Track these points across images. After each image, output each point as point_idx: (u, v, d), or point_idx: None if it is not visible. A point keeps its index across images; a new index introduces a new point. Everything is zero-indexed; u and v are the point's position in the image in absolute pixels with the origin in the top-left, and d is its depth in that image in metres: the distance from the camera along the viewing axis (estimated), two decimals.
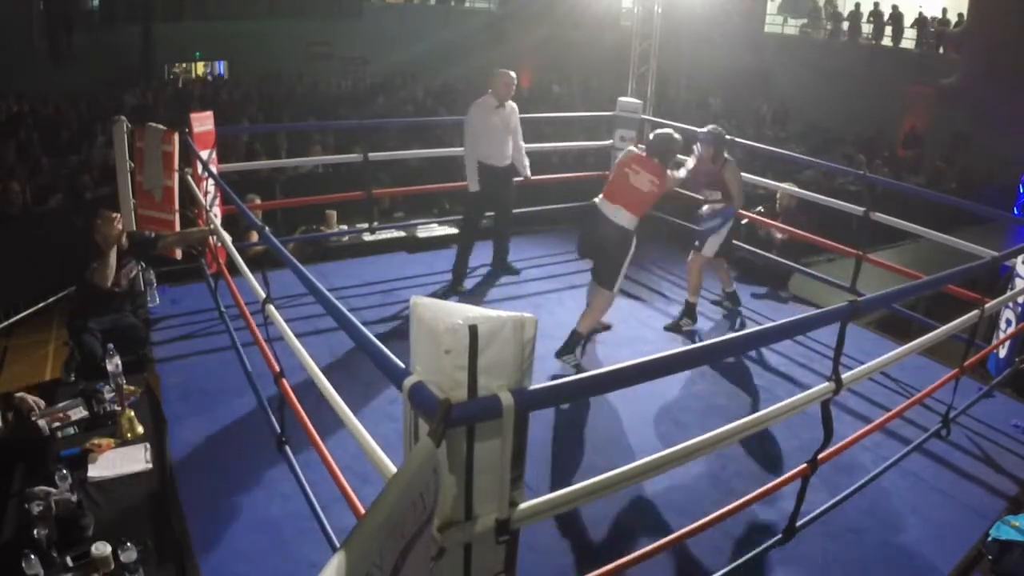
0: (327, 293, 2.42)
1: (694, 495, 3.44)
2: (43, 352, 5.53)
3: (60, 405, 3.41)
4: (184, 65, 15.79)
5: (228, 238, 4.14)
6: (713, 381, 4.42)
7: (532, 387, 1.72)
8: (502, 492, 1.74)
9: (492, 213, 5.71)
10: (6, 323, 5.90)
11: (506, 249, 5.91)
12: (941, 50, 15.02)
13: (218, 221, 4.86)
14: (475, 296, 5.48)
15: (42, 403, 3.38)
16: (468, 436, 1.66)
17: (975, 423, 4.18)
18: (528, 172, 5.68)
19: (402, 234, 6.87)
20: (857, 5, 16.44)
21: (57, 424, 3.28)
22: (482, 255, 5.78)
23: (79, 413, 3.35)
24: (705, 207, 5.09)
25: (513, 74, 5.23)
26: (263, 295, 3.31)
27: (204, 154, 5.07)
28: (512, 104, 5.36)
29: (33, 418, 3.21)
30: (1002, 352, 4.81)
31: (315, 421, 3.00)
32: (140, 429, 3.26)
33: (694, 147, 5.08)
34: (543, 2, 17.42)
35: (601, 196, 4.46)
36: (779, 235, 6.05)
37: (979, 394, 4.28)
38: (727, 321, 5.39)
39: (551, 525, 3.13)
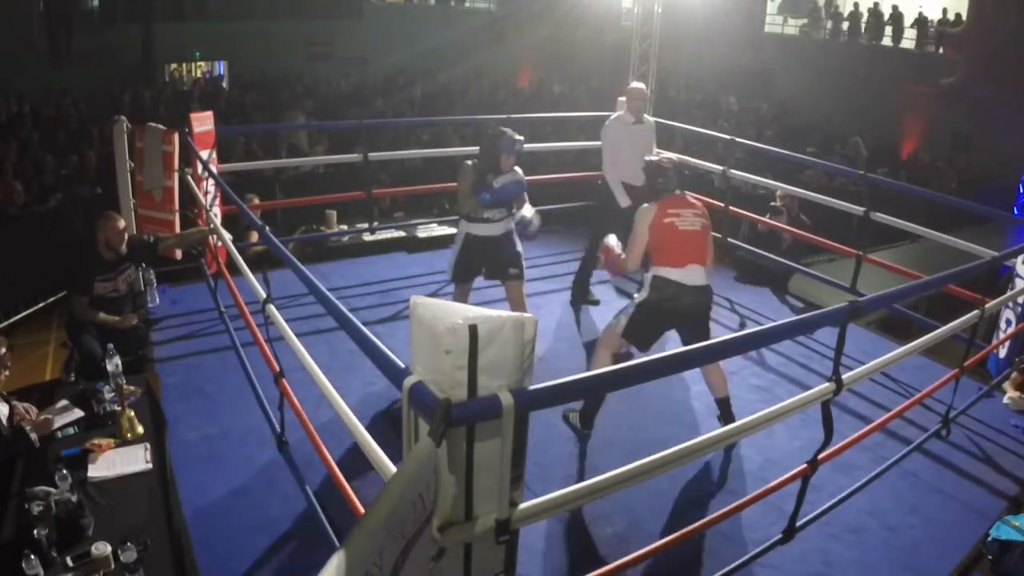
0: (327, 293, 2.42)
1: (694, 495, 3.44)
2: (43, 352, 5.54)
3: (53, 410, 3.33)
4: (183, 65, 15.76)
5: (228, 238, 4.14)
6: None
7: (532, 387, 1.72)
8: (502, 492, 1.74)
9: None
10: (6, 323, 5.91)
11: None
12: (941, 50, 15.01)
13: (218, 221, 4.85)
14: (475, 296, 5.47)
15: (34, 410, 3.31)
16: (468, 436, 1.65)
17: (975, 423, 4.18)
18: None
19: (402, 234, 6.88)
20: (857, 5, 16.42)
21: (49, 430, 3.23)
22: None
23: (71, 417, 3.33)
24: None
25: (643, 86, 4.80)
26: (263, 295, 3.31)
27: (204, 154, 5.07)
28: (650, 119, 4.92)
29: (27, 427, 3.19)
30: (1002, 352, 4.81)
31: (315, 421, 3.00)
32: (140, 429, 3.26)
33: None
34: (543, 2, 17.37)
35: (667, 268, 3.59)
36: (787, 237, 6.06)
37: (979, 394, 4.28)
38: (727, 328, 5.38)
39: (551, 525, 3.13)
